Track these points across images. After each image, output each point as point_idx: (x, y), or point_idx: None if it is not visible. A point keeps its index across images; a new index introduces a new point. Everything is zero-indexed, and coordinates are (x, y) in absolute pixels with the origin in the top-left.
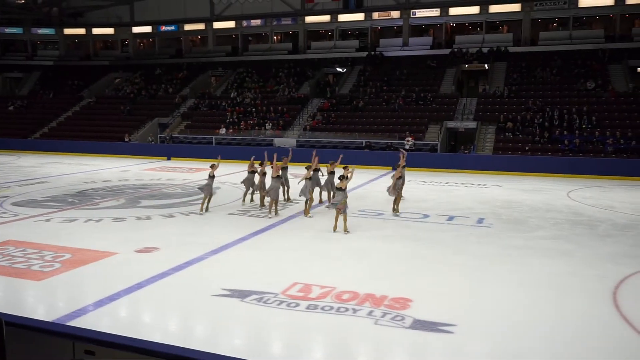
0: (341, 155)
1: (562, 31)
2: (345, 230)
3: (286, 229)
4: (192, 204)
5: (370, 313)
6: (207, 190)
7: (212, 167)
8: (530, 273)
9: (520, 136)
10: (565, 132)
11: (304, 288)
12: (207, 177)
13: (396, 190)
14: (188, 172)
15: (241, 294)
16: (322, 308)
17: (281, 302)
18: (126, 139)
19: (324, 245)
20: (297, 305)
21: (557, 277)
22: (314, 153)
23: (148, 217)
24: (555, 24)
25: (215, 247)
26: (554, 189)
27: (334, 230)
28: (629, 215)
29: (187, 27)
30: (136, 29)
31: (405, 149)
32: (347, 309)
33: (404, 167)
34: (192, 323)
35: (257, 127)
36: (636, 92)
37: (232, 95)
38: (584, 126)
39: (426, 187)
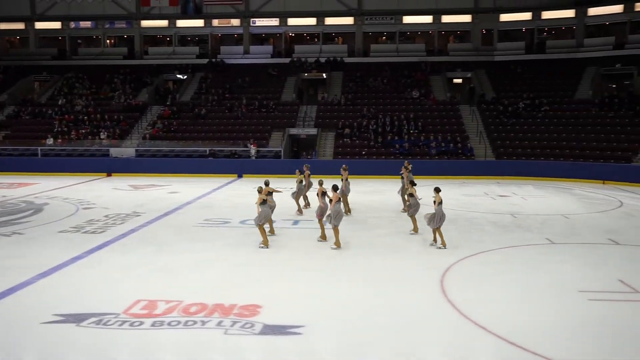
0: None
1: (390, 44)
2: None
3: (126, 244)
4: (15, 223)
5: (219, 323)
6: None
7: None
8: (371, 269)
9: (357, 141)
10: (396, 137)
11: (148, 305)
12: (258, 201)
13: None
14: (8, 187)
15: (77, 318)
16: (169, 323)
17: (123, 322)
18: None
19: (168, 258)
20: (142, 323)
21: (394, 270)
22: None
23: None
24: (384, 37)
25: (44, 269)
26: (388, 190)
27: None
28: (453, 210)
29: (3, 25)
30: None
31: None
32: (195, 322)
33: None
34: (18, 357)
35: (90, 137)
36: (453, 101)
37: (60, 102)
38: (411, 131)
39: None
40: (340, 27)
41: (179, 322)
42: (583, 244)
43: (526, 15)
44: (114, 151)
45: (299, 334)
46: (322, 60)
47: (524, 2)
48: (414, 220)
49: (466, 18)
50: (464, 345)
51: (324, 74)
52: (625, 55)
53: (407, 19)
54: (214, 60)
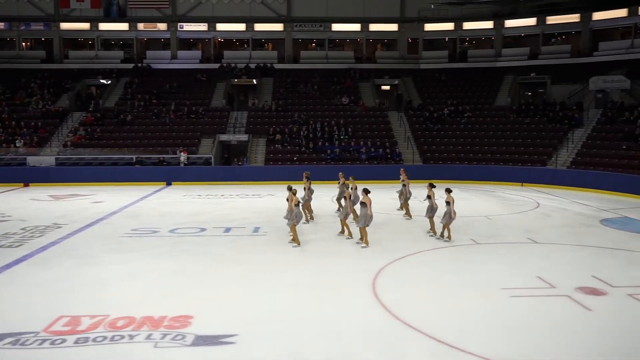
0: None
1: (319, 51)
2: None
3: (46, 258)
4: None
5: (149, 337)
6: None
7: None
8: (303, 275)
9: (289, 147)
10: (327, 143)
11: (71, 321)
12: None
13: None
14: None
15: None
16: (94, 340)
17: (43, 340)
18: None
19: (92, 270)
20: (64, 341)
21: (326, 275)
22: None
23: None
24: (314, 44)
25: None
26: (321, 195)
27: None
28: (382, 213)
29: None
30: None
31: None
32: (122, 337)
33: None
34: None
35: (4, 145)
36: (381, 107)
37: None
38: (342, 137)
39: (202, 200)
40: (270, 34)
41: (105, 338)
42: (505, 243)
43: (449, 26)
44: (32, 160)
45: (232, 343)
46: (252, 66)
47: (446, 13)
48: (432, 222)
49: (393, 27)
50: (397, 346)
51: (254, 80)
52: (539, 65)
53: (336, 27)
54: (139, 65)
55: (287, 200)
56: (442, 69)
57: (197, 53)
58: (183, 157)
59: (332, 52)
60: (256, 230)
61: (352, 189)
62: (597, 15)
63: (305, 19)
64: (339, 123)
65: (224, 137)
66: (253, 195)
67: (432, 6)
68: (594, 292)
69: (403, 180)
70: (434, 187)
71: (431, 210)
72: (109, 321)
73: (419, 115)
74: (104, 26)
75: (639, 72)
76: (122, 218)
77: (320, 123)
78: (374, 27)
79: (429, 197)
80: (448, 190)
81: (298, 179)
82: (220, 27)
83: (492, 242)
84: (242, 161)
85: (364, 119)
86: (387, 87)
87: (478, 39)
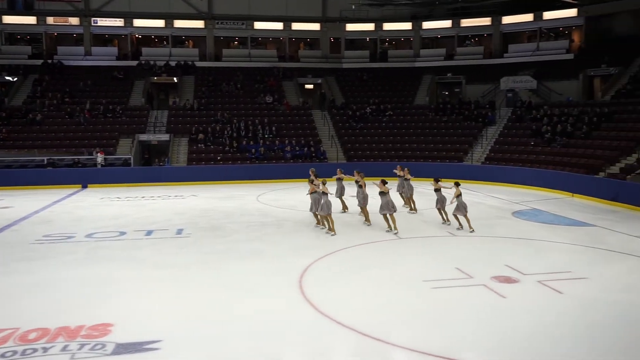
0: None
1: (242, 49)
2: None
3: None
4: None
5: (65, 348)
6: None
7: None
8: (229, 276)
9: (212, 147)
10: (251, 142)
11: None
12: (318, 191)
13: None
14: None
15: None
16: (3, 355)
17: None
18: None
19: (0, 281)
20: None
21: (252, 275)
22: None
23: None
24: (236, 42)
25: None
26: (246, 195)
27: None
28: (307, 212)
29: None
30: None
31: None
32: (35, 350)
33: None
34: None
35: None
36: (305, 106)
37: None
38: (266, 136)
39: (121, 202)
40: (191, 31)
41: (15, 352)
42: (425, 237)
43: (369, 26)
44: None
45: (157, 349)
46: (173, 63)
47: (367, 14)
48: (445, 213)
49: (315, 26)
50: (322, 342)
51: (174, 78)
52: (455, 66)
53: (258, 25)
54: (50, 61)
55: (312, 185)
56: (363, 69)
57: (113, 50)
58: (100, 158)
59: (255, 50)
60: (179, 232)
61: (359, 185)
62: (506, 19)
63: (227, 17)
64: (263, 122)
65: (143, 137)
66: (175, 196)
67: (353, 7)
68: (508, 280)
69: (404, 174)
70: (459, 185)
71: (441, 203)
72: (20, 334)
73: (342, 114)
74: (8, 19)
75: (545, 73)
76: (33, 224)
77: (244, 122)
78: (296, 26)
79: (437, 190)
80: (457, 184)
81: (222, 178)
82: (138, 23)
83: (414, 236)
84: (164, 161)
85: (288, 118)
86: (311, 86)
87: (397, 39)
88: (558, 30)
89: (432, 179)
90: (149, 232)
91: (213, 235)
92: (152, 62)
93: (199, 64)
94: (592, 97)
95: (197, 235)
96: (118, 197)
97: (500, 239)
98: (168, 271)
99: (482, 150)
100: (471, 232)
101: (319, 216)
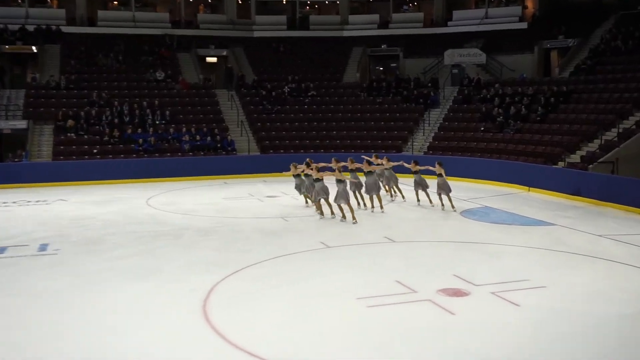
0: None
1: (124, 11)
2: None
3: None
4: None
5: None
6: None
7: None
8: (114, 303)
9: (86, 137)
10: (138, 130)
11: None
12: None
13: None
14: None
15: None
16: None
17: None
18: None
19: None
20: None
21: (143, 300)
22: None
23: None
24: (115, 2)
25: None
26: (132, 197)
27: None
28: (211, 218)
29: None
30: None
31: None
32: None
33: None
34: None
35: None
36: (207, 84)
37: None
38: (157, 122)
39: None
40: None
41: None
42: (360, 245)
43: None
44: None
45: None
46: (31, 28)
47: None
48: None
49: None
50: None
51: (33, 47)
52: (391, 35)
53: None
54: None
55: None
56: (280, 38)
57: None
58: None
59: (141, 13)
60: (43, 248)
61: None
62: None
63: None
64: (153, 104)
65: None
66: (37, 201)
67: None
68: (457, 293)
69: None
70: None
71: (422, 185)
72: None
73: (254, 94)
74: None
75: (495, 46)
76: None
77: (128, 105)
78: None
79: (416, 172)
80: (439, 163)
81: (101, 177)
82: None
83: (345, 243)
84: (20, 156)
85: (186, 99)
86: (214, 60)
87: (321, 2)
88: None
89: (413, 161)
90: (2, 250)
91: (89, 252)
92: (1, 26)
93: (66, 29)
94: (548, 73)
95: (67, 252)
96: None
97: (446, 243)
98: (28, 299)
99: (424, 137)
100: (453, 211)
101: (334, 206)
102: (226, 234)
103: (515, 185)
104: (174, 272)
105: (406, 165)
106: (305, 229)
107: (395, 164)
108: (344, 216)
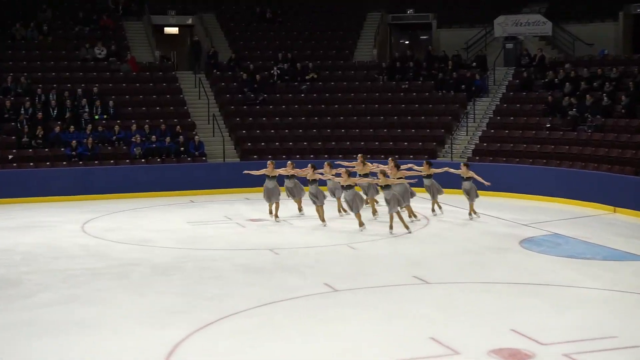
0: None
1: None
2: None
3: None
4: None
5: None
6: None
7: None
8: None
9: None
10: (71, 128)
11: None
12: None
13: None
14: None
15: None
16: None
17: None
18: None
19: None
20: None
21: None
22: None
23: None
24: None
25: None
26: (62, 221)
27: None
28: (172, 250)
29: None
30: None
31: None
32: None
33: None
34: None
35: None
36: (166, 65)
37: None
38: (97, 117)
39: None
40: None
41: None
42: (378, 287)
43: None
44: None
45: None
46: None
47: None
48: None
49: None
50: None
51: None
52: None
53: None
54: None
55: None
56: (265, 0)
57: None
58: None
59: None
60: None
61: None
62: None
63: None
64: (91, 93)
65: None
66: None
67: None
68: (516, 355)
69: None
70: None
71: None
72: None
73: (230, 78)
74: None
75: (563, 10)
76: None
77: (55, 93)
78: None
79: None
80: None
81: (16, 194)
82: None
83: (359, 286)
84: None
85: (136, 86)
86: (175, 30)
87: None
88: None
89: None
90: None
91: (6, 296)
92: None
93: None
94: (639, 49)
95: None
96: None
97: (501, 285)
98: None
99: (468, 138)
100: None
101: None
102: (192, 273)
103: (596, 204)
104: (118, 326)
105: (452, 171)
106: (303, 265)
107: (439, 171)
108: (391, 226)
